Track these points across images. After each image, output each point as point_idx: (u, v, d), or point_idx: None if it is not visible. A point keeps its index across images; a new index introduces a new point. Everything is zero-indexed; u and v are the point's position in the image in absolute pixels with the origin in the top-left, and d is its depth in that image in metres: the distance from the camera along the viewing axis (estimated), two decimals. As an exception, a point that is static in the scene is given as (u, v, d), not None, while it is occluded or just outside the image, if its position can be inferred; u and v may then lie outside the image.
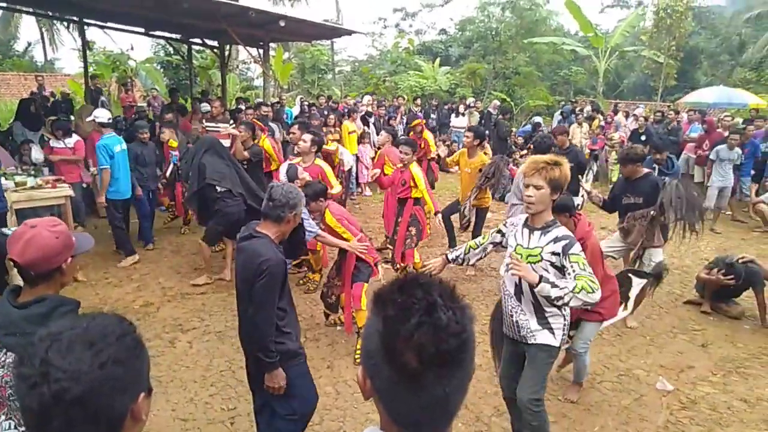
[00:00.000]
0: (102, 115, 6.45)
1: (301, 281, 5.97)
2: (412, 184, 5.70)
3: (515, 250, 2.85)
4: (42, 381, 0.92)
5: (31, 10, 13.38)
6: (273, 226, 2.74)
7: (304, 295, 5.65)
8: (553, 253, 2.69)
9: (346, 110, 11.81)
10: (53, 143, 7.13)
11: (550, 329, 2.82)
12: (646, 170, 5.13)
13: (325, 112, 10.83)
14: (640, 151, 5.12)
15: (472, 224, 6.30)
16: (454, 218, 6.51)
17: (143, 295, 5.62)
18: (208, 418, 3.65)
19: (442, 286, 0.94)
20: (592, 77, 21.90)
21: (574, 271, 2.63)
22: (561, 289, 2.59)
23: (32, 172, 6.86)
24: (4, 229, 5.39)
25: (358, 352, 4.41)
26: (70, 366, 0.93)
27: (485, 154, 7.28)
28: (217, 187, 5.54)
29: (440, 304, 0.90)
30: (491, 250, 3.18)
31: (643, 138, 11.03)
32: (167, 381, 4.04)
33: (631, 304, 4.17)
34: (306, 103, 13.74)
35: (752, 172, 8.99)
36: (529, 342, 2.86)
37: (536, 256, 2.74)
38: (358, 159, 10.28)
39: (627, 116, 14.19)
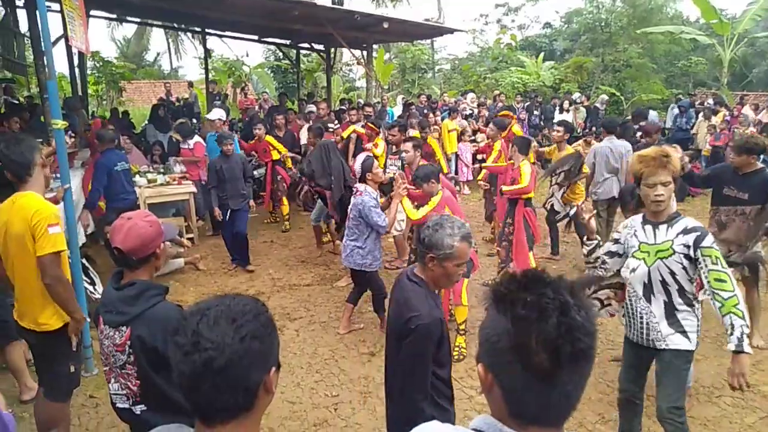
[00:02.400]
0: (218, 114, 7.74)
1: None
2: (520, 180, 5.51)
3: (639, 249, 2.73)
4: (193, 350, 1.05)
5: (160, 23, 14.79)
6: (421, 268, 2.27)
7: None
8: (685, 245, 2.58)
9: (446, 109, 11.83)
10: (182, 144, 7.87)
11: (683, 332, 2.67)
12: (760, 165, 4.62)
13: (425, 111, 10.91)
14: (761, 142, 4.60)
15: (571, 217, 6.19)
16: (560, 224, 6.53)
17: (255, 284, 6.04)
18: (313, 402, 3.86)
19: (568, 285, 0.96)
20: (715, 68, 20.02)
21: (706, 265, 2.51)
22: (742, 323, 2.43)
23: (162, 170, 7.63)
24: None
25: (456, 348, 4.43)
26: (217, 338, 1.06)
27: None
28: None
29: (572, 303, 0.92)
30: (611, 263, 2.97)
31: (776, 133, 9.96)
32: (277, 365, 4.31)
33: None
34: (404, 102, 13.93)
35: None
36: (659, 348, 2.73)
37: (667, 250, 2.62)
38: (457, 157, 10.27)
39: (756, 109, 12.87)
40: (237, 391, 1.06)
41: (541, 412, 0.95)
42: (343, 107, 11.07)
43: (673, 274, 2.63)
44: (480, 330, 1.03)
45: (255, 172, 8.06)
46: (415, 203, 4.62)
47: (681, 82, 22.18)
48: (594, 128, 11.77)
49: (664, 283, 2.65)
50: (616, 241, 2.90)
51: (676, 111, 13.40)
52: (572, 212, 6.15)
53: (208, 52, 14.70)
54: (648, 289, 2.72)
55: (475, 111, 12.22)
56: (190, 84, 17.94)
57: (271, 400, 1.16)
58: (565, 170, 5.94)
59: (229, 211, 6.21)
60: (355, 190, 4.74)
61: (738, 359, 2.44)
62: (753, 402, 3.82)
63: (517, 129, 8.25)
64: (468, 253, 2.23)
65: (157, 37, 31.16)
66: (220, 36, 13.66)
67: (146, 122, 11.82)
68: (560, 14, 26.69)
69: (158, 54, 32.19)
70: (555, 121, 13.45)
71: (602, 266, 3.01)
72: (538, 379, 0.90)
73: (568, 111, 13.38)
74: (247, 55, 24.69)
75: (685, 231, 2.59)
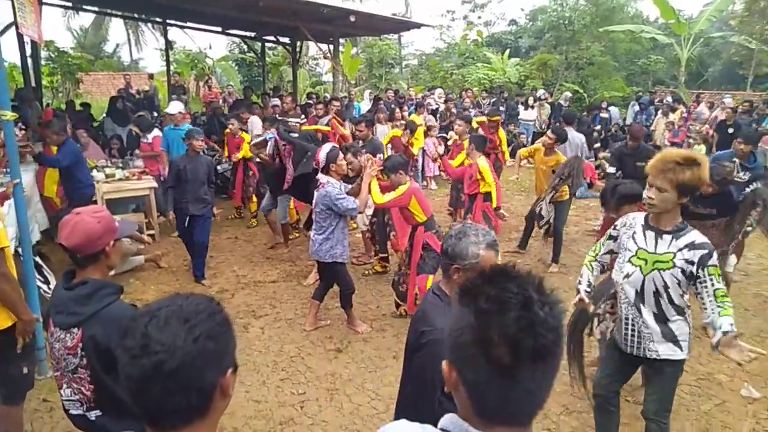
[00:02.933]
0: (178, 107, 7.55)
1: (366, 272, 6.09)
2: (479, 177, 5.60)
3: (636, 255, 2.61)
4: (142, 353, 0.99)
5: (119, 13, 14.31)
6: (445, 281, 2.15)
7: (370, 286, 5.74)
8: (688, 261, 2.47)
9: (412, 104, 11.84)
10: (141, 138, 7.63)
11: (675, 341, 2.62)
12: None
13: (392, 106, 10.89)
14: (731, 170, 4.60)
15: (552, 224, 6.11)
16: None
17: (218, 282, 5.90)
18: (279, 401, 3.80)
19: (535, 280, 0.94)
20: (673, 66, 20.66)
21: (712, 284, 2.44)
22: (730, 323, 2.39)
23: (120, 165, 7.38)
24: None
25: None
26: (167, 340, 0.99)
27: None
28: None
29: (536, 299, 0.90)
30: (610, 260, 2.90)
31: (730, 131, 10.34)
32: (241, 364, 4.13)
33: None
34: (374, 96, 13.86)
35: None
36: (650, 357, 2.68)
37: (667, 262, 2.51)
38: (424, 152, 10.27)
39: (711, 107, 13.32)
40: (189, 392, 1.00)
41: (503, 408, 0.93)
42: (310, 101, 10.94)
43: (666, 287, 2.55)
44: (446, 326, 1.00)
45: (218, 167, 7.87)
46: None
47: (641, 80, 22.81)
48: (558, 124, 11.96)
49: (656, 294, 2.58)
50: (614, 239, 2.81)
51: (637, 108, 13.78)
52: (552, 218, 6.10)
53: (169, 44, 14.34)
54: (639, 297, 2.64)
55: (442, 107, 12.26)
56: (151, 76, 17.46)
57: (227, 404, 1.11)
58: (563, 174, 5.90)
59: (188, 217, 5.64)
60: (318, 182, 4.66)
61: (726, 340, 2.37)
62: (709, 390, 3.94)
63: (502, 134, 8.27)
64: (495, 262, 2.05)
65: (116, 28, 30.22)
66: (182, 27, 13.33)
67: (104, 115, 11.43)
68: (525, 12, 27.22)
69: (117, 45, 31.02)
70: (520, 117, 13.69)
71: (600, 268, 2.96)
72: (500, 373, 0.89)
73: (533, 107, 13.56)
74: (210, 48, 24.28)
75: (692, 246, 2.47)
